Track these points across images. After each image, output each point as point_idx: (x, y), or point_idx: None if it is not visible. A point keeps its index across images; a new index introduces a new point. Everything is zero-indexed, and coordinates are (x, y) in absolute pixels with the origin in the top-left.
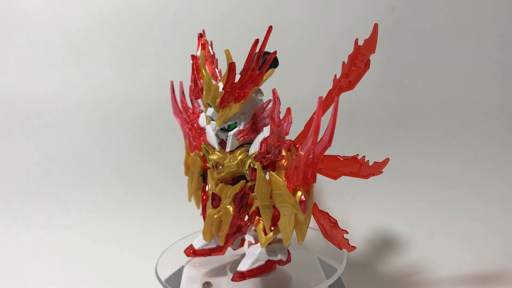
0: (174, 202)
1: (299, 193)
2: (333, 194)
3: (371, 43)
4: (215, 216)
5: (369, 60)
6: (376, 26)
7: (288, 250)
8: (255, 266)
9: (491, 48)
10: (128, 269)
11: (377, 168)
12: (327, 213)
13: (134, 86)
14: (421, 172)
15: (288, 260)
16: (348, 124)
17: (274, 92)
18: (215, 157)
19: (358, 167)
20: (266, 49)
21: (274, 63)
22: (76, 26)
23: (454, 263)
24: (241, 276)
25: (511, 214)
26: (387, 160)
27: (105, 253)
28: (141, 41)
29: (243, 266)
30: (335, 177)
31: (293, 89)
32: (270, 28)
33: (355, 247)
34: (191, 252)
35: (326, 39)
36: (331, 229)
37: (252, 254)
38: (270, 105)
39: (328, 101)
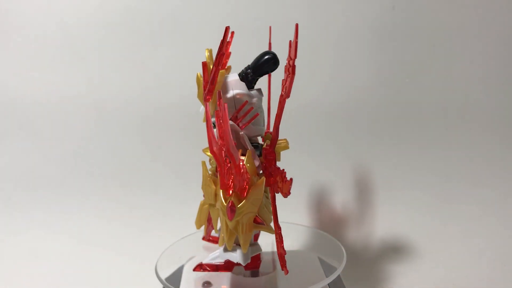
0: (174, 202)
1: (230, 199)
2: (334, 193)
3: (294, 46)
4: (204, 206)
5: (294, 65)
6: (296, 26)
7: (258, 256)
8: (213, 262)
9: (492, 48)
10: (129, 268)
11: (287, 188)
12: (280, 228)
13: (134, 85)
14: (421, 172)
15: (255, 266)
16: (348, 124)
17: (218, 94)
18: (208, 153)
19: (282, 184)
20: (268, 49)
21: (274, 64)
22: (76, 25)
23: (454, 263)
24: (198, 267)
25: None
26: (291, 180)
27: (106, 253)
28: (141, 40)
29: (205, 259)
30: (276, 191)
31: (294, 89)
32: (227, 28)
33: (288, 272)
34: (204, 237)
35: (325, 38)
36: (281, 245)
37: (217, 251)
38: (247, 105)
39: (281, 106)
